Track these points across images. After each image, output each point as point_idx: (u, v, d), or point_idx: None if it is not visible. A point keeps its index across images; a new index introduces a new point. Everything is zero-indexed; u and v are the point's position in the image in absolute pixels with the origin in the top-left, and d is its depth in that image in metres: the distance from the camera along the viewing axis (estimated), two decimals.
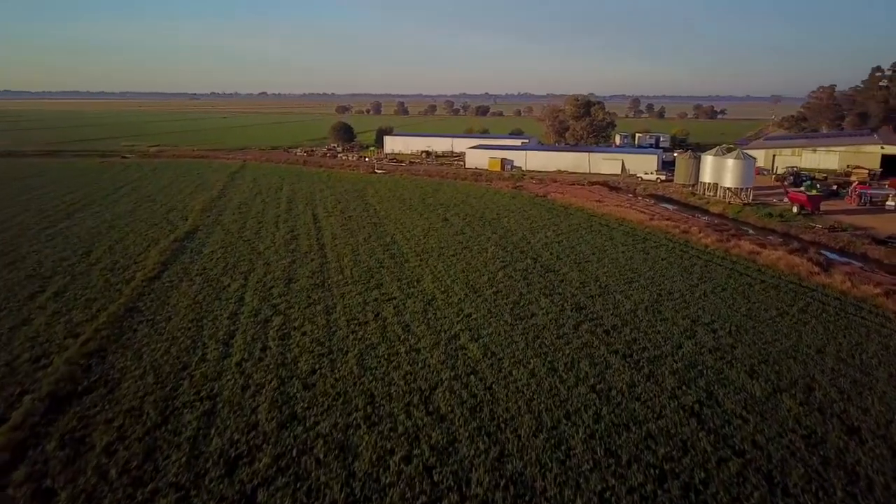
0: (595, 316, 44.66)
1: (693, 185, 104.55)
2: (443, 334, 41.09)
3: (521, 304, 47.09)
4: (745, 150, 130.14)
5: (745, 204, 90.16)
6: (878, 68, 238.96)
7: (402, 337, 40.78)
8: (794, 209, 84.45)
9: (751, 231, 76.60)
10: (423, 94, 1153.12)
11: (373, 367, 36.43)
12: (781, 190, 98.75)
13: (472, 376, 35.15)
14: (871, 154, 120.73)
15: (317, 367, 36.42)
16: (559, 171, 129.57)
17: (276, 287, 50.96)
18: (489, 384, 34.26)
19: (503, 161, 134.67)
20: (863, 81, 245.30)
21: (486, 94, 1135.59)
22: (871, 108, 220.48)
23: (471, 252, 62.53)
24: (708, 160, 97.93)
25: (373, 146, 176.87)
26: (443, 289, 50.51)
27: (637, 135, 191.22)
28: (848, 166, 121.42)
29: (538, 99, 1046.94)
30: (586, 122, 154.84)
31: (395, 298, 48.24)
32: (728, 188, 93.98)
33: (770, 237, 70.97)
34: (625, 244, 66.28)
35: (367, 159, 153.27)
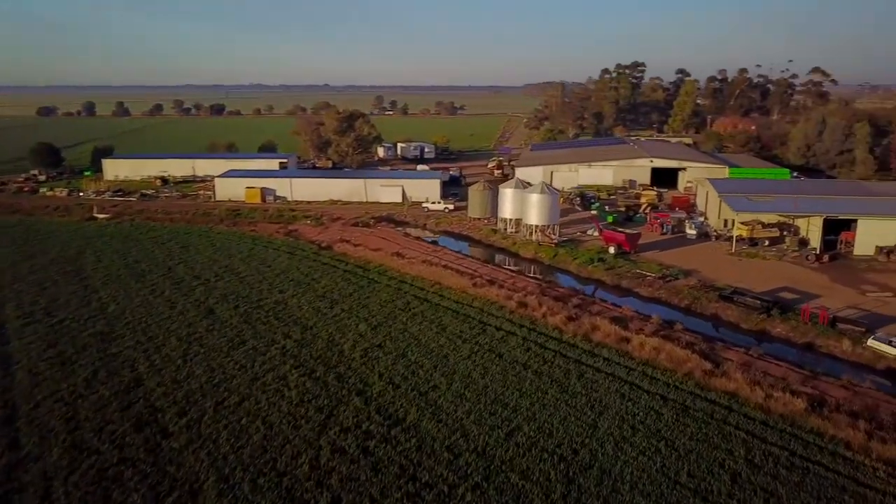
0: None
1: (489, 219, 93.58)
2: None
3: None
4: (521, 167, 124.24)
5: (555, 244, 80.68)
6: (606, 70, 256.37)
7: None
8: (611, 250, 76.61)
9: (582, 289, 66.33)
10: (145, 86, 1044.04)
11: None
12: (590, 220, 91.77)
13: None
14: (642, 168, 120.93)
15: None
16: (332, 202, 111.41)
17: None
18: None
19: (263, 191, 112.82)
20: (594, 82, 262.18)
21: (216, 85, 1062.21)
22: (605, 108, 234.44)
23: (264, 391, 42.53)
24: (507, 194, 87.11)
25: (89, 171, 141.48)
26: None
27: (399, 145, 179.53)
28: (623, 181, 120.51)
29: (272, 91, 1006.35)
30: (351, 137, 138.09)
31: None
32: (534, 225, 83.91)
33: (623, 307, 60.54)
34: (466, 338, 51.00)
35: (82, 194, 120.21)
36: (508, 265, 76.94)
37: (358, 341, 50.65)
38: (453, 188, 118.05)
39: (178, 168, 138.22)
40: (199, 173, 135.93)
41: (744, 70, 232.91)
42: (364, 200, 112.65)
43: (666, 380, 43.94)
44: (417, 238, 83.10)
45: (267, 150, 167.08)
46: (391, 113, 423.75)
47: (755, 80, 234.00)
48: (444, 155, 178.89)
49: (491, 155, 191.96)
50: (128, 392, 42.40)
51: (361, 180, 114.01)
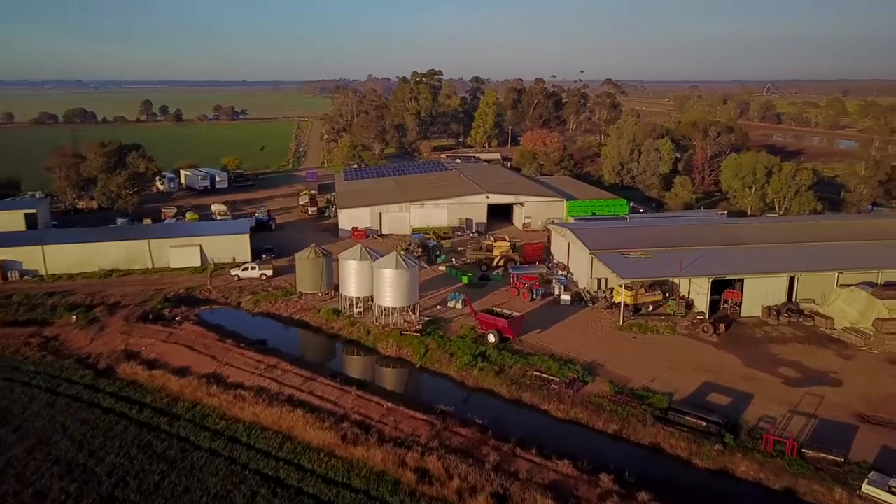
0: None
1: (326, 294, 74.92)
2: None
3: None
4: (345, 208, 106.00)
5: (417, 331, 64.48)
6: (405, 79, 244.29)
7: None
8: (491, 338, 62.19)
9: (484, 422, 50.77)
10: None
11: None
12: (440, 276, 76.51)
13: None
14: (478, 205, 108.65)
15: None
16: (106, 273, 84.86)
17: None
18: None
19: (2, 265, 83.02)
20: (393, 92, 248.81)
21: None
22: (407, 121, 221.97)
23: None
24: (351, 267, 68.97)
25: None
26: None
27: (184, 173, 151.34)
28: (459, 221, 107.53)
29: (7, 88, 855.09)
30: (123, 176, 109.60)
31: None
32: (389, 307, 66.94)
33: (555, 460, 45.58)
34: None
35: None
36: (374, 375, 59.47)
37: None
38: (265, 242, 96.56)
39: None
40: None
41: (540, 80, 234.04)
42: (150, 267, 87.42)
43: None
44: (240, 346, 61.60)
45: (5, 188, 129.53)
46: (162, 120, 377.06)
47: (550, 90, 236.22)
48: (240, 182, 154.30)
49: (292, 178, 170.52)
50: None
51: (145, 241, 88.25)
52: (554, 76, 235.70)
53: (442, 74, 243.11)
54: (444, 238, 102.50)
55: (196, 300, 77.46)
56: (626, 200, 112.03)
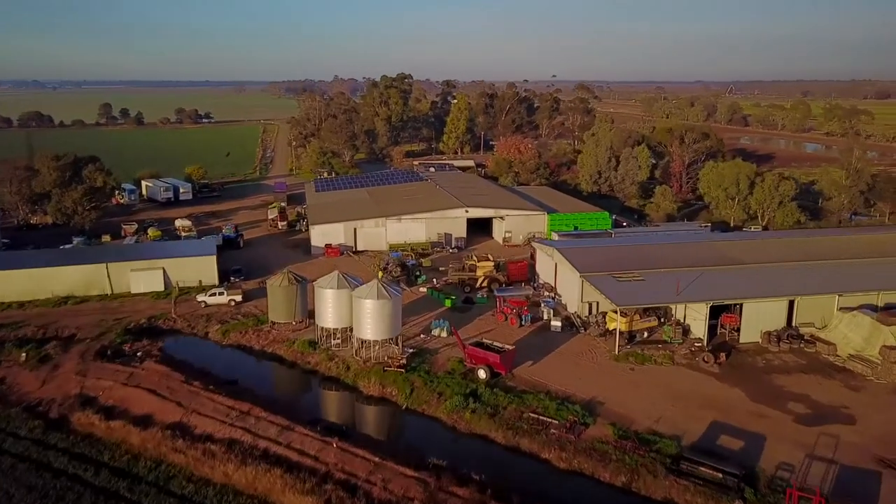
0: None
1: (301, 323, 69.95)
2: None
3: None
4: (317, 224, 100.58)
5: (401, 366, 59.97)
6: (375, 83, 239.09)
7: None
8: (481, 374, 57.98)
9: (482, 478, 46.44)
10: None
11: None
12: (421, 299, 72.00)
13: None
14: (457, 220, 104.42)
15: None
16: (60, 301, 78.60)
17: None
18: None
19: None
20: (361, 95, 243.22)
21: None
22: (378, 126, 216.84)
23: None
24: (328, 296, 64.04)
25: None
26: None
27: (145, 184, 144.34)
28: (438, 236, 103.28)
29: None
30: (79, 191, 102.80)
31: None
32: (370, 340, 62.27)
33: None
34: None
35: None
36: (356, 419, 54.90)
37: None
38: (233, 262, 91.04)
39: None
40: None
41: (512, 84, 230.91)
42: (109, 293, 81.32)
43: None
44: (208, 388, 56.11)
45: None
46: (123, 123, 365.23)
47: (522, 94, 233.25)
48: (205, 193, 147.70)
49: (260, 187, 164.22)
50: None
51: (103, 264, 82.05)
52: (526, 80, 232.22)
53: (412, 78, 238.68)
54: (423, 255, 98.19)
55: (159, 330, 71.85)
56: (608, 213, 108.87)
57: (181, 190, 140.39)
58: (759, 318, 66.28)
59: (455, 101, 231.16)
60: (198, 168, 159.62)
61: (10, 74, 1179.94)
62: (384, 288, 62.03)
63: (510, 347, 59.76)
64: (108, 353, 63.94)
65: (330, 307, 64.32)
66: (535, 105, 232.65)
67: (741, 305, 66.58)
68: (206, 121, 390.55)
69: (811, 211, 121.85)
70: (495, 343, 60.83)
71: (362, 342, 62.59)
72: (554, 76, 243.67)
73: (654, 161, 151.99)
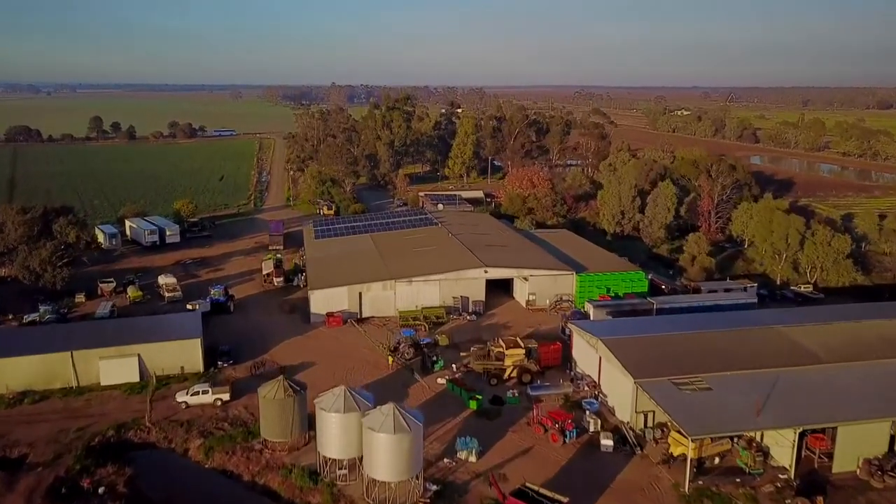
0: None
1: (305, 445, 58.03)
2: None
3: None
4: (317, 288, 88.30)
5: None
6: (376, 105, 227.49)
7: None
8: None
9: None
10: None
11: None
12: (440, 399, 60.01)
13: None
14: (474, 281, 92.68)
15: None
16: (15, 397, 66.47)
17: None
18: None
19: None
20: (362, 117, 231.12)
21: None
22: (380, 151, 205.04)
23: None
24: (332, 421, 52.12)
25: None
26: None
27: (129, 224, 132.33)
28: (453, 299, 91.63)
29: None
30: (48, 248, 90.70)
31: None
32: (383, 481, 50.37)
33: None
34: None
35: None
36: None
37: None
38: (221, 333, 79.19)
39: None
40: None
41: (522, 107, 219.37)
42: (73, 385, 69.32)
43: None
44: None
45: None
46: (114, 138, 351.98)
47: (532, 117, 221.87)
48: (194, 232, 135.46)
49: (254, 223, 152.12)
50: None
51: (67, 353, 69.85)
52: (535, 102, 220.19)
53: (415, 100, 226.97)
54: (437, 323, 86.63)
55: (129, 444, 59.89)
56: (643, 273, 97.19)
57: (168, 232, 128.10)
58: (856, 443, 54.64)
59: (460, 121, 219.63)
60: (187, 203, 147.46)
61: (4, 77, 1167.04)
62: (402, 416, 50.09)
63: (564, 501, 47.72)
64: (63, 490, 51.86)
65: (335, 434, 52.42)
66: (545, 128, 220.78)
67: (836, 429, 54.92)
68: (200, 135, 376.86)
69: (860, 262, 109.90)
70: (542, 490, 48.87)
71: (375, 481, 50.74)
72: (577, 92, 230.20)
73: (678, 194, 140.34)
